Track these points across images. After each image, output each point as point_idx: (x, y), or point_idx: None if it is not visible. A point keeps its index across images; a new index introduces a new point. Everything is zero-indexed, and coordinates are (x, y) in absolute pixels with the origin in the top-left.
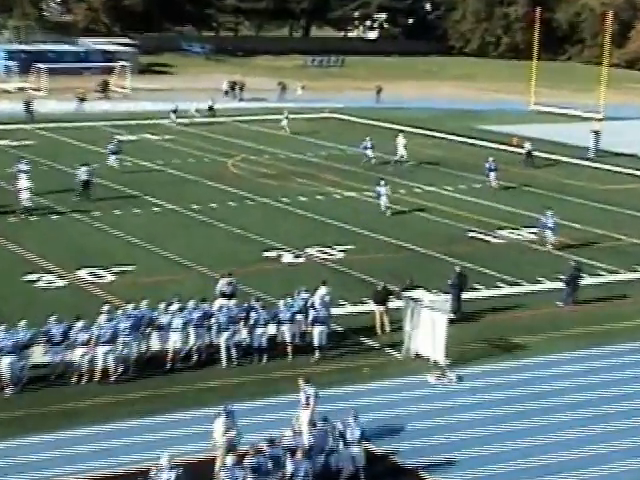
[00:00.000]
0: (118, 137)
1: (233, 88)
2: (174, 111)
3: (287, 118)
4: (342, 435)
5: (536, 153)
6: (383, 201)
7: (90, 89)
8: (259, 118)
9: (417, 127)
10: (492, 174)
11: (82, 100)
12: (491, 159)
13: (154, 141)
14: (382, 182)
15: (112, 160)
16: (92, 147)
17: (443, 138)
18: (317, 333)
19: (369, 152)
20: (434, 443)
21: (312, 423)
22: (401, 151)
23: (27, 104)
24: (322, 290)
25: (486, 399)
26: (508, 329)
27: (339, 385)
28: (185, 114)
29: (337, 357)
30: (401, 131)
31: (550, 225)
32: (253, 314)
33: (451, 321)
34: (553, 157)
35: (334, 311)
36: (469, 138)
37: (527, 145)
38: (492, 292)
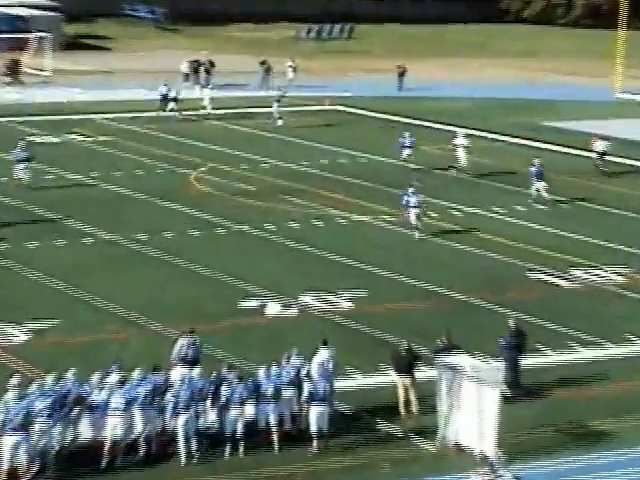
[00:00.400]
0: (29, 139)
1: (196, 70)
2: (174, 99)
3: (279, 101)
4: None
5: (619, 159)
6: (413, 216)
7: None
8: (234, 112)
9: (455, 125)
10: (539, 184)
11: None
12: (537, 161)
13: (85, 144)
14: (411, 190)
15: (20, 170)
16: None
17: (492, 139)
18: (315, 415)
19: (407, 152)
20: None
21: None
22: (462, 157)
23: None
24: (322, 354)
25: None
26: (586, 410)
27: None
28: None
29: (344, 449)
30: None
31: None
32: (225, 389)
33: (505, 398)
34: None
35: (339, 384)
36: (528, 140)
37: (599, 144)
38: (563, 357)
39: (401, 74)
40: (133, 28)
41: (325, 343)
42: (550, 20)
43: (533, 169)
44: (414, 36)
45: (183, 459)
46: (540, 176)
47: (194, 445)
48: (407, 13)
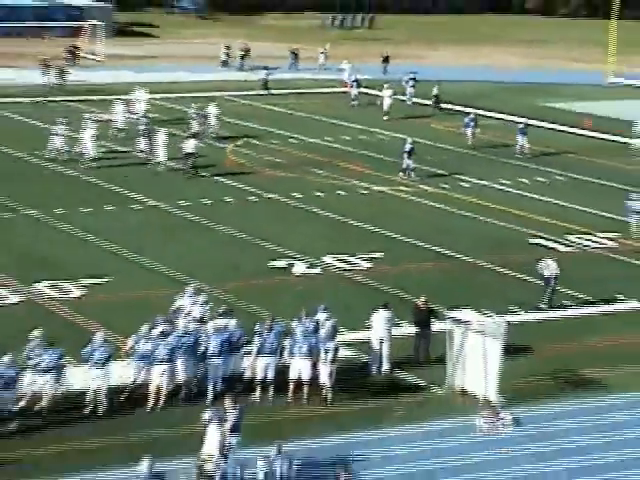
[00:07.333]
0: (86, 115)
1: (229, 55)
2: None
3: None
4: None
5: (605, 136)
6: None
7: (57, 56)
8: (263, 93)
9: (466, 105)
10: (520, 137)
11: (63, 73)
12: (522, 121)
13: (133, 121)
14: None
15: (87, 145)
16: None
17: (499, 119)
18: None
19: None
20: None
21: (223, 454)
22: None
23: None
24: (382, 314)
25: (550, 448)
26: (579, 360)
27: (363, 429)
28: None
29: (361, 394)
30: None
31: (638, 208)
32: (257, 339)
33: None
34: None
35: (361, 336)
36: (531, 119)
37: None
38: (559, 314)
39: (385, 60)
40: (176, 17)
41: (386, 306)
42: (551, 11)
43: (520, 125)
44: (431, 25)
45: (210, 398)
46: (523, 133)
47: (221, 387)
48: (424, 3)
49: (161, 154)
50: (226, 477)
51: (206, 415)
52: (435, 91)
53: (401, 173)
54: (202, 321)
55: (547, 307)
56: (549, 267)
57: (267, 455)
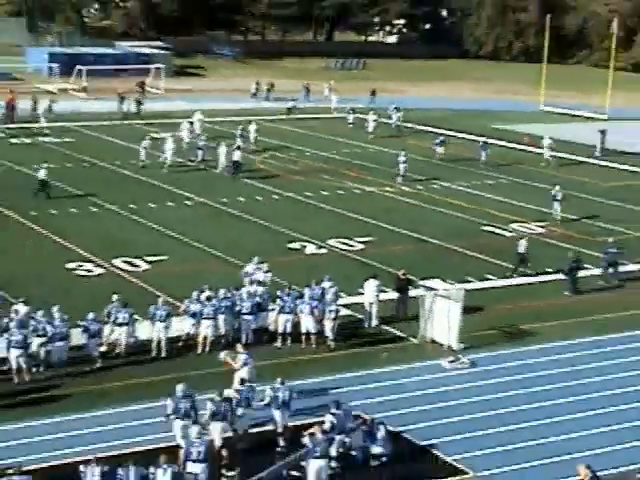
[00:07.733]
0: (153, 135)
1: (258, 89)
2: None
3: (375, 121)
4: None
5: (538, 150)
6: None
7: (131, 89)
8: (284, 117)
9: (436, 127)
10: (483, 152)
11: (139, 103)
12: (482, 139)
13: (189, 139)
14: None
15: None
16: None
17: (462, 138)
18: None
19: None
20: (446, 423)
21: (241, 381)
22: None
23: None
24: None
25: (498, 382)
26: (519, 317)
27: (357, 369)
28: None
29: (356, 343)
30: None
31: (558, 197)
32: (278, 302)
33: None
34: (560, 155)
35: (356, 299)
36: (483, 136)
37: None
38: (504, 282)
39: (372, 93)
40: (219, 62)
41: (375, 276)
42: (498, 57)
43: (480, 144)
44: (410, 67)
45: (242, 342)
46: (484, 149)
47: (251, 337)
48: (404, 52)
49: (222, 161)
50: (241, 401)
51: (221, 355)
52: (400, 115)
53: (398, 178)
54: (263, 284)
55: (517, 275)
56: (521, 246)
57: (273, 385)
